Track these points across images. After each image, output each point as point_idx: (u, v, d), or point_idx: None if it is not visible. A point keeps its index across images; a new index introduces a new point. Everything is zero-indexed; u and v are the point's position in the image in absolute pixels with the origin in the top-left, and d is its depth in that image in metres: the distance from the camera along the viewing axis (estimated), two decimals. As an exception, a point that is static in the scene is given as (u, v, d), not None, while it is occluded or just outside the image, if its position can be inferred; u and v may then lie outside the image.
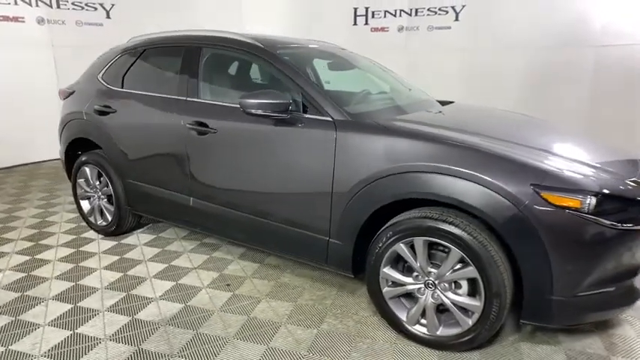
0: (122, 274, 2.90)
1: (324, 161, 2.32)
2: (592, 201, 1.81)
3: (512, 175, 1.89)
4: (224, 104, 2.79)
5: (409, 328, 2.21)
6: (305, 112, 2.45)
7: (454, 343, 2.12)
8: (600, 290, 1.94)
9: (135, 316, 2.41)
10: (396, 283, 2.23)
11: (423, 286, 2.15)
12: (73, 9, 6.14)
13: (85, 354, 2.11)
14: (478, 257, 1.93)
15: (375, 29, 6.97)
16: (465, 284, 2.06)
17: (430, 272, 2.12)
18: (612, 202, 1.88)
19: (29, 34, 5.82)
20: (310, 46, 3.38)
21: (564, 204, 1.81)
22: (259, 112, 2.40)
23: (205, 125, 2.74)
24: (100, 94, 3.36)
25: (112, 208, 3.41)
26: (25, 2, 5.75)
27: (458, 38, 6.30)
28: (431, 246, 2.11)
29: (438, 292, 2.11)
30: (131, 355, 2.10)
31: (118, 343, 2.19)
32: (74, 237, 3.50)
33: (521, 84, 5.79)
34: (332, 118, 2.35)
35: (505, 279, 1.92)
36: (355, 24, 7.07)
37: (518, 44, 5.71)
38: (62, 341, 2.20)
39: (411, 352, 2.15)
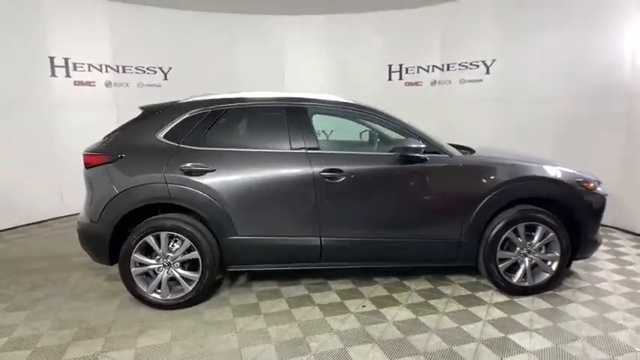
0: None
1: (454, 186, 3.41)
2: (597, 184, 3.54)
3: (571, 178, 3.48)
4: (357, 153, 3.67)
5: (518, 285, 3.43)
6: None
7: (545, 285, 3.45)
8: (597, 234, 3.60)
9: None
10: (504, 260, 3.42)
11: (523, 255, 3.43)
12: (136, 73, 6.87)
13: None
14: (555, 227, 3.36)
15: (409, 84, 7.38)
16: (544, 247, 3.43)
17: (528, 244, 3.40)
18: (596, 184, 3.53)
19: (98, 96, 6.52)
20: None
21: (589, 187, 3.48)
22: (414, 155, 3.30)
23: (340, 171, 3.26)
24: (180, 155, 3.24)
25: (193, 275, 3.24)
26: (96, 69, 6.51)
27: (489, 91, 6.59)
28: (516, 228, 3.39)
29: (532, 257, 3.43)
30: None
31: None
32: (139, 325, 3.03)
33: (553, 135, 5.88)
34: (448, 155, 3.42)
35: (567, 237, 3.39)
36: (390, 79, 7.51)
37: (549, 96, 5.88)
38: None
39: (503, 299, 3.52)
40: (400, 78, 7.46)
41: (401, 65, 7.42)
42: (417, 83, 7.34)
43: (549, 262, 3.43)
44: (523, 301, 3.37)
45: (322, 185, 3.24)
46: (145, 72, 6.94)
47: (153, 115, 3.44)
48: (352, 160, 3.35)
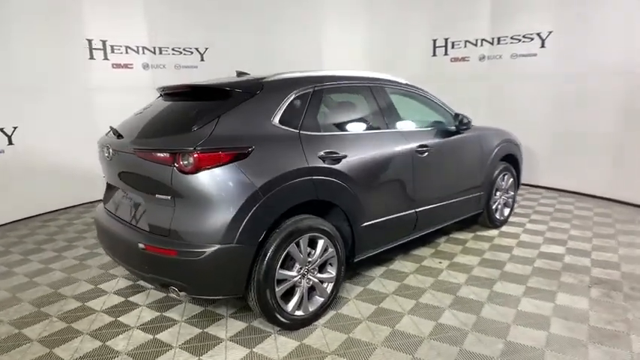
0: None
1: (478, 148, 4.23)
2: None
3: (515, 137, 4.77)
4: (431, 129, 3.83)
5: (500, 218, 4.67)
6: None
7: (508, 216, 4.82)
8: None
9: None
10: (495, 202, 4.52)
11: (500, 197, 4.61)
12: (173, 54, 6.73)
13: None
14: (513, 174, 4.70)
15: (455, 59, 6.94)
16: (508, 189, 4.72)
17: (503, 188, 4.64)
18: None
19: (136, 78, 6.41)
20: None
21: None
22: (465, 127, 4.00)
23: (426, 146, 3.58)
24: (309, 142, 2.79)
25: (330, 276, 2.89)
26: (134, 50, 6.41)
27: (545, 65, 6.08)
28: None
29: (504, 197, 4.68)
30: None
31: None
32: (317, 353, 2.47)
33: (618, 110, 5.39)
34: (470, 127, 4.11)
35: (516, 179, 4.82)
36: (434, 55, 7.09)
37: (613, 69, 5.36)
38: None
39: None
40: (445, 53, 7.03)
41: (446, 39, 6.98)
42: (463, 59, 6.89)
43: (510, 200, 4.73)
44: (505, 229, 4.58)
45: (416, 160, 3.51)
46: (181, 53, 6.80)
47: (246, 96, 2.72)
48: (427, 136, 3.71)
